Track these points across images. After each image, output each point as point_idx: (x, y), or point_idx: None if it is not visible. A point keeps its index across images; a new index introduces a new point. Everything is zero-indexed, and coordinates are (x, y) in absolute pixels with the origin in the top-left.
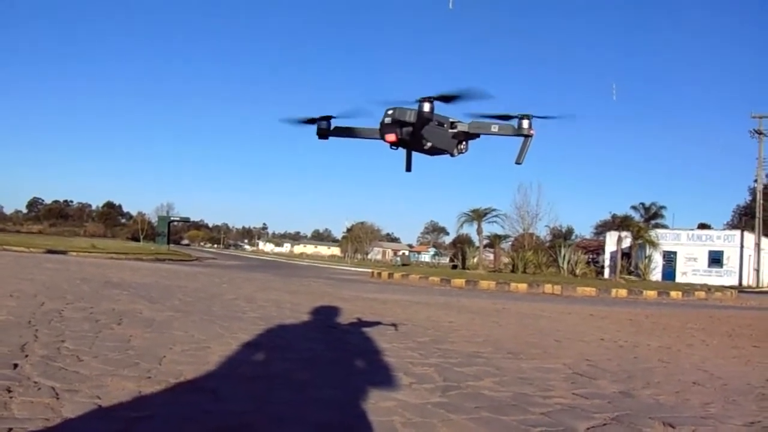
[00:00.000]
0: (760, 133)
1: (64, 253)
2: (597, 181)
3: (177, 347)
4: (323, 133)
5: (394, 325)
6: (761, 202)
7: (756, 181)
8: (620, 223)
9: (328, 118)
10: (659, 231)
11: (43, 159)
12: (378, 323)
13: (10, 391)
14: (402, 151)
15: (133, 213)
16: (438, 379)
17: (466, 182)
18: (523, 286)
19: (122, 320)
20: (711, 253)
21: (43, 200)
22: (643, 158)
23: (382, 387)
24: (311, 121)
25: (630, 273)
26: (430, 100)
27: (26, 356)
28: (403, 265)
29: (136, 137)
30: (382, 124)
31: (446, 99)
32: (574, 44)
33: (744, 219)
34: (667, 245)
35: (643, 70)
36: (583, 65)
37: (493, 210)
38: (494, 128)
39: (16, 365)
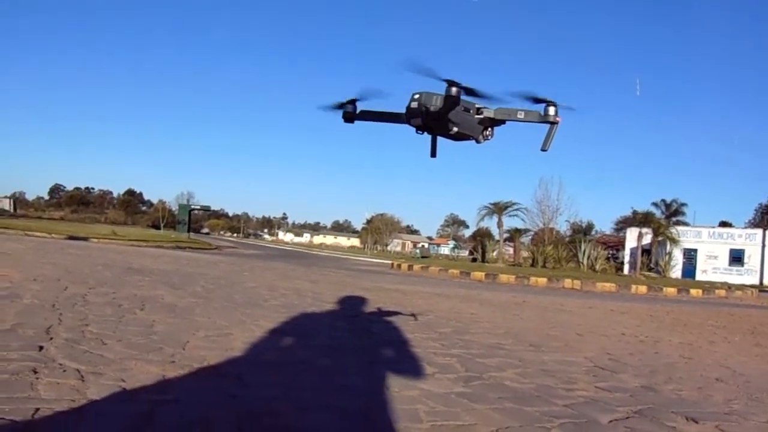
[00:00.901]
0: None
1: (85, 239)
2: (618, 177)
3: (200, 333)
4: (349, 117)
5: (413, 314)
6: None
7: None
8: (641, 219)
9: (353, 102)
10: (680, 228)
11: (64, 146)
12: (398, 313)
13: (36, 372)
14: (427, 137)
15: (154, 201)
16: (460, 370)
17: (486, 176)
18: (542, 281)
19: (145, 306)
20: (732, 251)
21: (64, 187)
22: (665, 154)
23: (406, 376)
24: (342, 105)
25: (650, 270)
26: (457, 84)
27: (51, 339)
28: (423, 257)
29: (158, 125)
30: (408, 108)
31: (471, 92)
32: (596, 39)
33: (766, 217)
34: (687, 243)
35: (666, 66)
36: (606, 60)
37: (514, 204)
38: (520, 115)
39: (41, 347)
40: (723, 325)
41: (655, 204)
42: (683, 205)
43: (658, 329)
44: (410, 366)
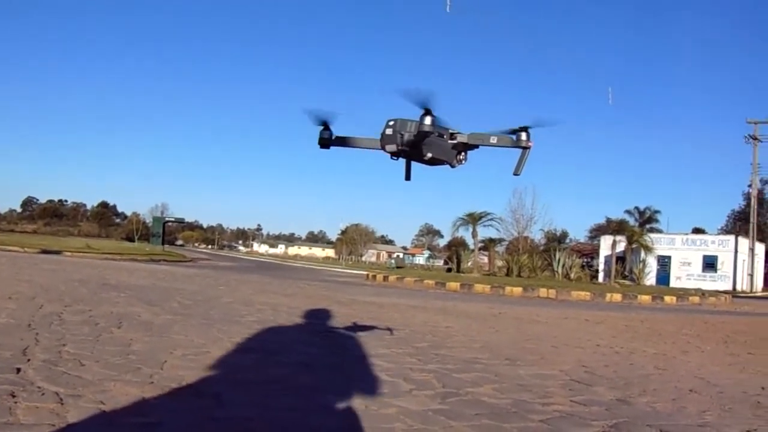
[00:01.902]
0: (755, 138)
1: (59, 253)
2: (592, 185)
3: (177, 351)
4: (325, 143)
5: (389, 329)
6: (756, 207)
7: (751, 186)
8: (615, 227)
9: (328, 127)
10: (654, 235)
11: (37, 158)
12: (374, 327)
13: (14, 396)
14: (402, 160)
15: (128, 213)
16: (437, 386)
17: (460, 186)
18: (518, 290)
19: (122, 324)
20: (705, 257)
21: (37, 199)
22: (638, 162)
23: (383, 393)
24: (324, 123)
25: (624, 277)
26: (431, 113)
27: (28, 360)
28: (398, 267)
29: (132, 137)
30: (383, 135)
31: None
32: (569, 47)
33: (738, 224)
34: (661, 250)
35: (638, 74)
36: (579, 68)
37: (489, 214)
38: (493, 140)
39: (18, 369)
40: (697, 334)
41: (628, 212)
42: (657, 212)
43: (633, 339)
44: (387, 383)
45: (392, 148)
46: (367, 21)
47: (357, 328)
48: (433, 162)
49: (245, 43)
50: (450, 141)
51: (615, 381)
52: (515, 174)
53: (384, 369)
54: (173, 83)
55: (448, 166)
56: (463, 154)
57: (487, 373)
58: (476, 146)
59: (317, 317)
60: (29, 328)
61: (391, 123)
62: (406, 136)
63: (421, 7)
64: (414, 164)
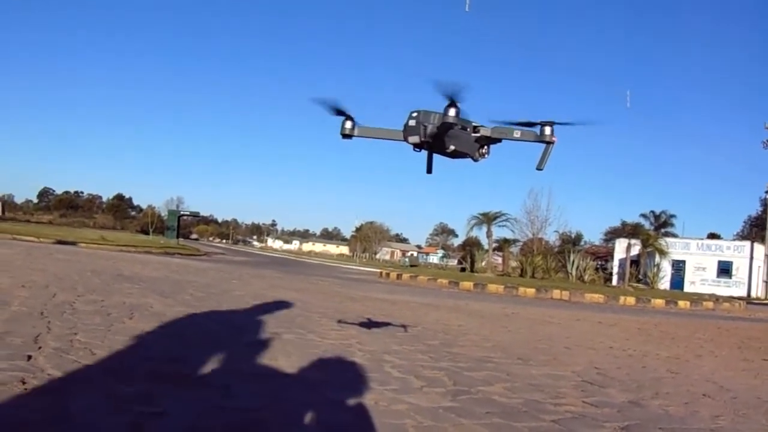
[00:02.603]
0: None
1: (74, 244)
2: (607, 188)
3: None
4: (347, 134)
5: (404, 326)
6: None
7: (767, 192)
8: (630, 230)
9: (351, 118)
10: (668, 239)
11: (54, 149)
12: (388, 324)
13: (24, 383)
14: (423, 153)
15: (143, 206)
16: (448, 383)
17: (476, 185)
18: (531, 291)
19: (134, 314)
20: (720, 263)
21: (53, 190)
22: (655, 166)
23: (394, 389)
24: (341, 112)
25: (638, 281)
26: (456, 105)
27: (39, 348)
28: (412, 266)
29: (149, 130)
30: (406, 126)
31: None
32: (587, 51)
33: (754, 230)
34: (676, 254)
35: (656, 79)
36: (597, 72)
37: (504, 214)
38: (516, 134)
39: (29, 357)
40: (710, 339)
41: (644, 215)
42: (672, 216)
43: (646, 342)
44: (398, 379)
45: (415, 139)
46: (383, 18)
47: (370, 324)
48: (455, 155)
49: (263, 37)
50: (473, 134)
51: (627, 383)
52: (538, 168)
53: (396, 365)
54: (192, 77)
55: (470, 159)
56: (485, 147)
57: (499, 372)
58: (499, 140)
59: (330, 313)
60: (41, 317)
61: (415, 114)
62: (430, 128)
63: (439, 6)
64: (436, 157)
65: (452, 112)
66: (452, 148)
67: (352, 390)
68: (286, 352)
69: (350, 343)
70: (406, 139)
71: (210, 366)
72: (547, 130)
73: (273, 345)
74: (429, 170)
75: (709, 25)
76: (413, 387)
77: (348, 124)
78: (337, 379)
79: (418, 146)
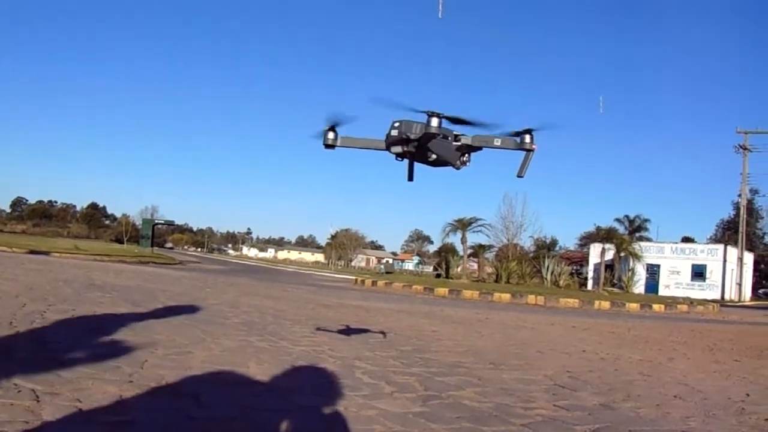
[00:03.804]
0: (744, 148)
1: (46, 253)
2: (582, 193)
3: (159, 351)
4: (330, 144)
5: (382, 332)
6: (745, 216)
7: (740, 195)
8: (604, 235)
9: (333, 128)
10: (643, 244)
11: (27, 158)
12: (367, 330)
13: None
14: (404, 161)
15: (118, 215)
16: (419, 389)
17: (451, 191)
18: (506, 297)
19: (104, 323)
20: (694, 266)
21: (27, 200)
22: (628, 170)
23: (365, 395)
24: (326, 132)
25: (613, 285)
26: (438, 115)
27: None
28: (387, 272)
29: (122, 138)
30: (388, 136)
31: (453, 120)
32: (558, 55)
33: (727, 233)
34: (650, 258)
35: (628, 83)
36: (569, 76)
37: (478, 220)
38: (497, 142)
39: None
40: (683, 341)
41: (618, 220)
42: (646, 220)
43: (619, 346)
44: (369, 385)
45: (397, 149)
46: (361, 28)
47: (348, 330)
48: (437, 163)
49: (236, 44)
50: (454, 143)
51: (599, 386)
52: (519, 176)
53: (367, 371)
54: (165, 85)
55: (451, 167)
56: (466, 155)
57: (471, 377)
58: (480, 148)
59: (303, 321)
60: (10, 326)
61: (397, 124)
62: (412, 137)
63: (416, 16)
64: (416, 164)
65: (434, 122)
66: (434, 157)
67: (323, 397)
68: (259, 360)
69: (322, 349)
70: (388, 149)
71: (179, 374)
72: (527, 138)
73: (245, 352)
74: (410, 178)
75: (680, 30)
76: (384, 392)
77: (331, 135)
78: (309, 386)
79: (400, 156)
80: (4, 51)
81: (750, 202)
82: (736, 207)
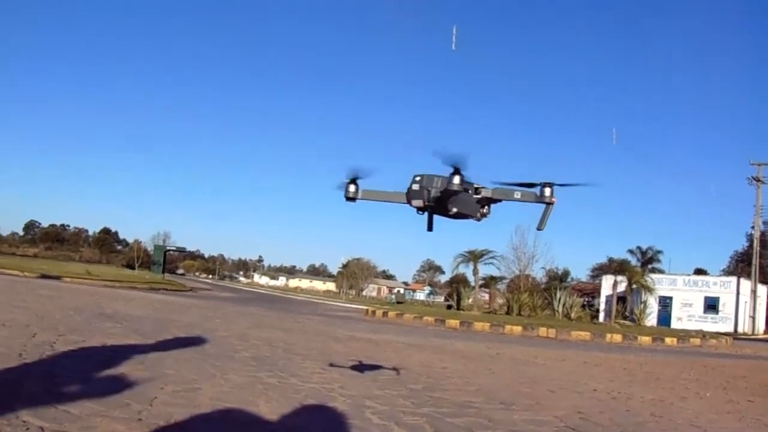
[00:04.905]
0: (758, 180)
1: (58, 278)
2: (595, 224)
3: (168, 387)
4: (351, 197)
5: (395, 369)
6: (758, 249)
7: (753, 227)
8: (616, 267)
9: (354, 181)
10: (655, 276)
11: (41, 181)
12: (380, 367)
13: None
14: (424, 213)
15: (130, 240)
16: (429, 431)
17: (464, 222)
18: (517, 329)
19: (114, 356)
20: (707, 299)
21: (40, 223)
22: (642, 202)
23: None
24: (347, 185)
25: (625, 318)
26: (460, 172)
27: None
28: (398, 303)
29: (137, 165)
30: (410, 189)
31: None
32: (572, 87)
33: (740, 265)
34: (663, 290)
35: (642, 114)
36: (582, 108)
37: (490, 251)
38: (517, 195)
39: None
40: (696, 378)
41: (630, 251)
42: (659, 252)
43: (631, 384)
44: (378, 426)
45: (419, 203)
46: (375, 73)
47: (359, 367)
48: (457, 216)
49: (251, 71)
50: (475, 196)
51: (610, 428)
52: (538, 229)
53: (377, 411)
54: (179, 112)
55: (471, 219)
56: (486, 207)
57: (481, 417)
58: (500, 200)
59: (312, 355)
60: (20, 357)
61: (418, 179)
62: (433, 192)
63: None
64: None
65: (456, 179)
66: (455, 210)
67: None
68: (268, 397)
69: (332, 387)
70: (409, 203)
71: (188, 412)
72: (547, 191)
73: (254, 389)
74: (430, 228)
75: (694, 60)
76: None
77: (352, 188)
78: (318, 427)
79: (421, 209)
80: (12, 71)
81: (763, 234)
82: (750, 239)
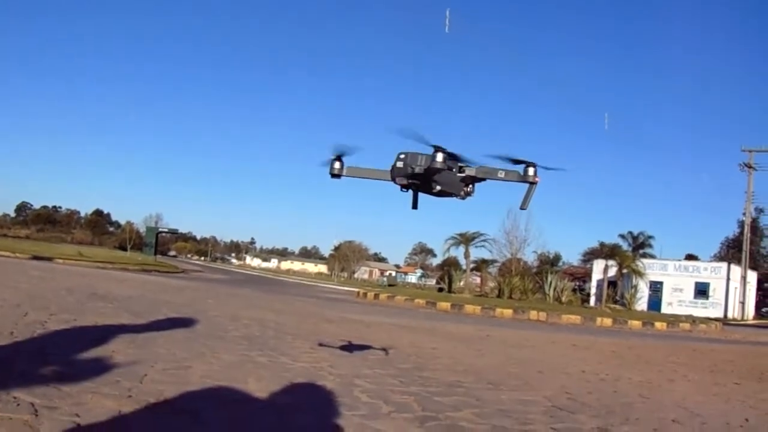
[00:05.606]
0: (749, 166)
1: (50, 260)
2: (586, 209)
3: (158, 365)
4: (336, 174)
5: (384, 349)
6: (749, 235)
7: (744, 214)
8: (607, 251)
9: (340, 158)
10: (646, 261)
11: (33, 163)
12: (369, 347)
13: None
14: (409, 191)
15: (122, 222)
16: (417, 409)
17: (455, 205)
18: (508, 312)
19: (106, 335)
20: (697, 284)
21: (31, 205)
22: (633, 187)
23: (362, 414)
24: (332, 162)
25: (615, 302)
26: (443, 150)
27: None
28: (390, 285)
29: (128, 146)
30: (394, 167)
31: (455, 158)
32: (564, 73)
33: (731, 251)
34: (653, 275)
35: (634, 100)
36: (574, 94)
37: (481, 234)
38: (501, 174)
39: None
40: (684, 362)
41: (622, 236)
42: (650, 237)
43: (619, 366)
44: (367, 404)
45: (403, 180)
46: (368, 53)
47: (349, 347)
48: (441, 194)
49: (245, 56)
50: (459, 174)
51: (597, 409)
52: (522, 208)
53: (365, 390)
54: (172, 92)
55: (455, 197)
56: (470, 186)
57: (469, 397)
58: (484, 179)
59: (303, 335)
60: (11, 336)
61: (402, 156)
62: (417, 170)
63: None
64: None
65: (439, 157)
66: (438, 189)
67: (320, 416)
68: (258, 376)
69: (322, 366)
70: (394, 180)
71: (178, 390)
72: (530, 170)
73: (245, 368)
74: (414, 206)
75: (685, 46)
76: (381, 413)
77: (337, 165)
78: (307, 404)
79: (405, 187)
80: (8, 57)
81: (754, 220)
82: (741, 225)
